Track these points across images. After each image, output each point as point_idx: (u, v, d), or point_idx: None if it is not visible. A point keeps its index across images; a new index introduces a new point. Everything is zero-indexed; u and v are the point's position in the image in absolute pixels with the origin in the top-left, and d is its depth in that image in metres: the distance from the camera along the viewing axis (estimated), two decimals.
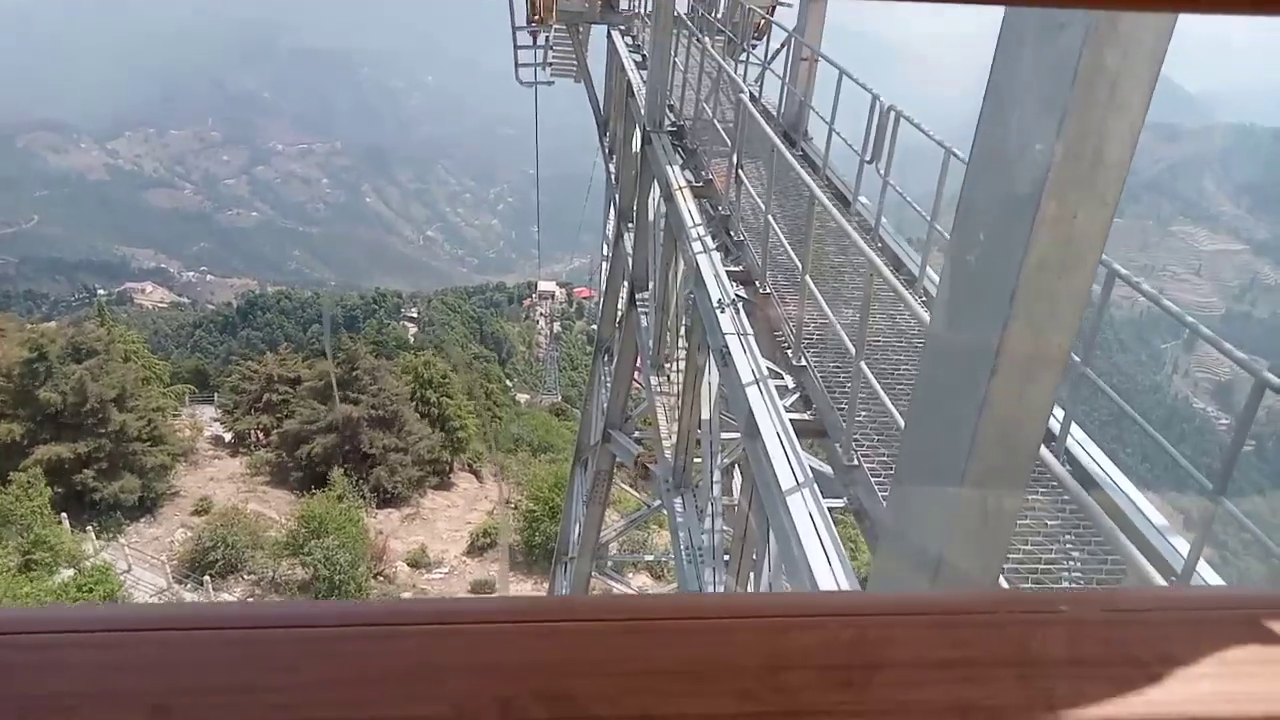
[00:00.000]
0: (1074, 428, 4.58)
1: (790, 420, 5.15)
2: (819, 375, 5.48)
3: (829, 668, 0.64)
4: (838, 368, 5.56)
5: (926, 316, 4.17)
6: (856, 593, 4.60)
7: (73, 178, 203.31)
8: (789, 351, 5.81)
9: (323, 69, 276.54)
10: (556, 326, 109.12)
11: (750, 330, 6.10)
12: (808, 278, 5.36)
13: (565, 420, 61.29)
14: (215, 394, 40.45)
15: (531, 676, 0.62)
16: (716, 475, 6.97)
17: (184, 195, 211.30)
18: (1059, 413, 4.45)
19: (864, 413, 4.95)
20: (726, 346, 5.99)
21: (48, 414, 27.75)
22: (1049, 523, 4.54)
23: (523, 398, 78.22)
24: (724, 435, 7.89)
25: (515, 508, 34.09)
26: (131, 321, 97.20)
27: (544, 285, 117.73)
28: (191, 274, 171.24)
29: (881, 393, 4.41)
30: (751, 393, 5.33)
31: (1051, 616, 0.72)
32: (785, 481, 4.61)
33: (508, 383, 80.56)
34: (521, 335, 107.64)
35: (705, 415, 7.10)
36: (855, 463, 4.69)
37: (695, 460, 8.96)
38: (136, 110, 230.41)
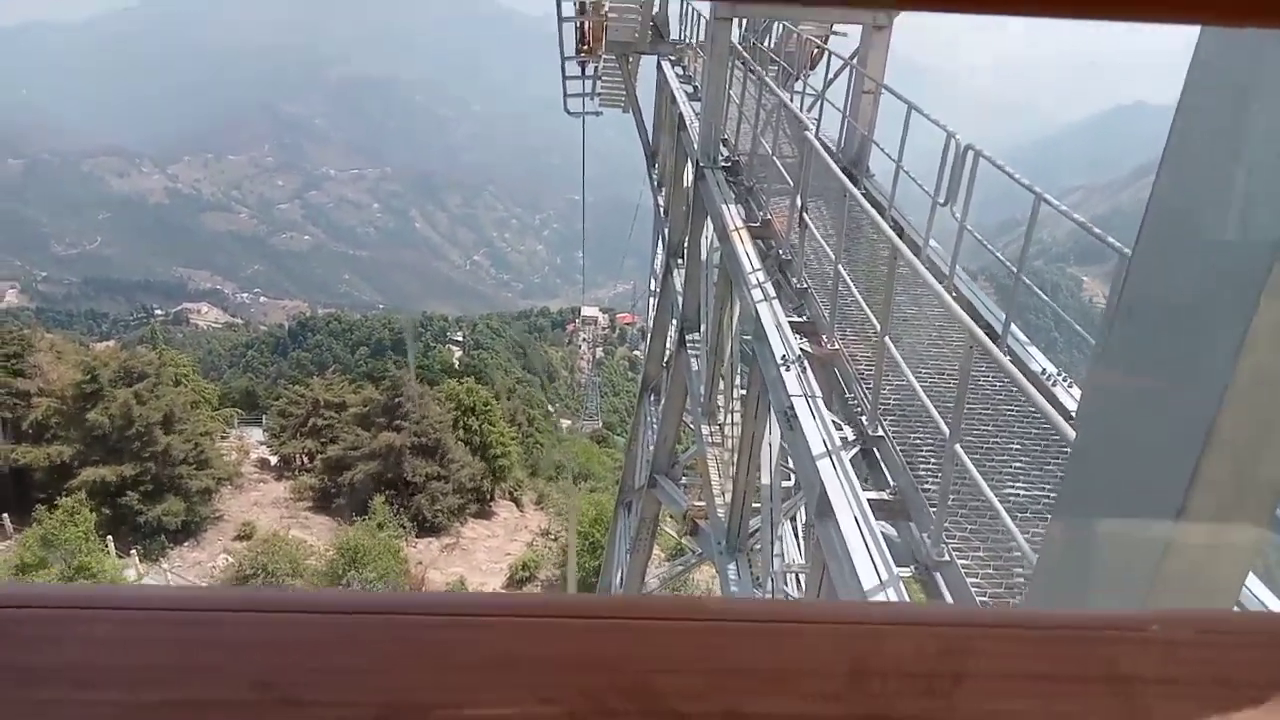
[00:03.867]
0: None
1: (868, 500, 4.59)
2: (899, 449, 4.90)
3: (916, 675, 0.64)
4: (920, 439, 4.98)
5: (1037, 397, 3.59)
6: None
7: (134, 200, 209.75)
8: (864, 419, 5.25)
9: (373, 96, 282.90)
10: (599, 352, 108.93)
11: (819, 392, 5.55)
12: (887, 339, 4.81)
13: (606, 448, 60.86)
14: (264, 416, 40.78)
15: (616, 671, 0.63)
16: (777, 547, 6.39)
17: (240, 219, 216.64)
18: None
19: (951, 496, 4.38)
20: (793, 409, 5.45)
21: (96, 436, 28.03)
22: None
23: (564, 423, 77.95)
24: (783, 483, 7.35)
25: (555, 539, 33.62)
26: (186, 341, 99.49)
27: (587, 311, 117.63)
28: (245, 295, 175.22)
29: (981, 481, 3.84)
30: (824, 466, 4.77)
31: (1143, 635, 0.70)
32: (866, 577, 4.05)
33: (550, 408, 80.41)
34: (564, 360, 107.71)
35: (765, 480, 6.54)
36: (946, 558, 4.11)
37: (752, 507, 8.40)
38: (196, 136, 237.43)
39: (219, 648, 0.62)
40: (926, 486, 4.58)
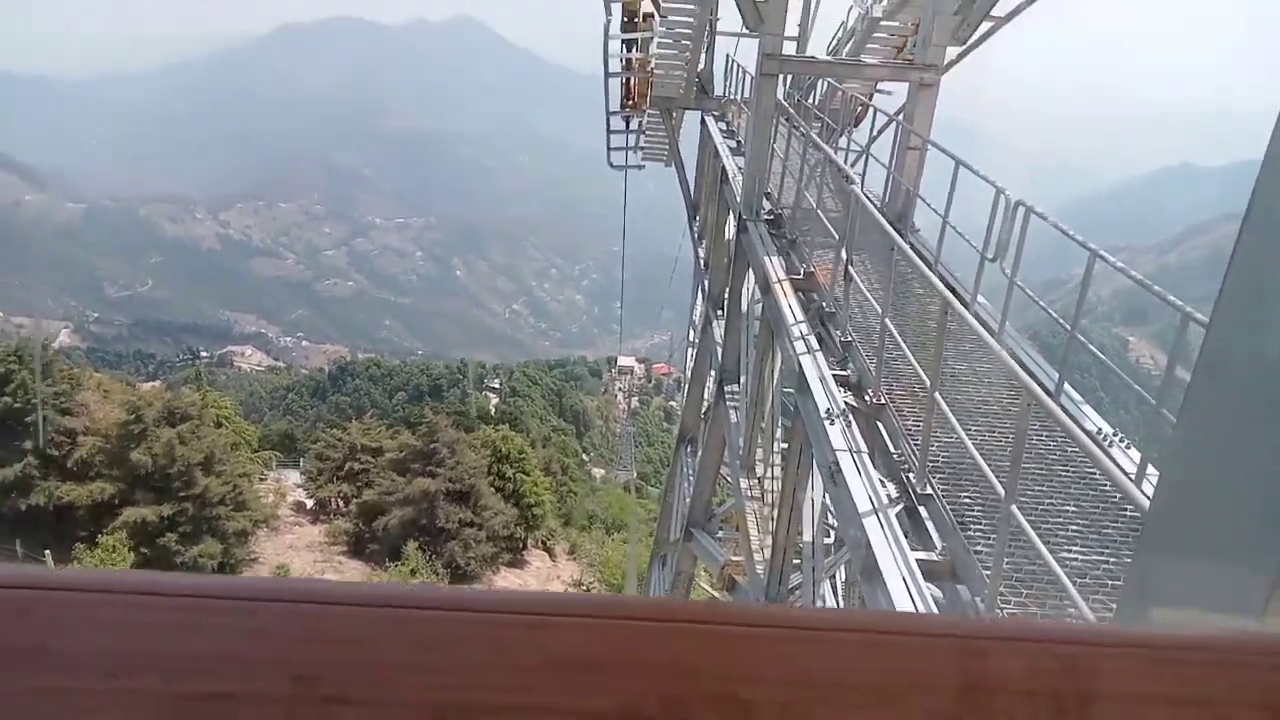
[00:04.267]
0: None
1: (918, 560, 4.43)
2: (949, 508, 4.75)
3: (1036, 694, 0.60)
4: (970, 499, 4.83)
5: (1104, 460, 3.45)
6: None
7: (186, 245, 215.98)
8: (910, 476, 5.11)
9: (423, 149, 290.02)
10: (635, 402, 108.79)
11: (864, 447, 5.42)
12: (937, 395, 4.69)
13: (640, 499, 60.45)
14: (301, 459, 41.15)
15: (700, 679, 0.59)
16: (819, 606, 6.20)
17: (287, 264, 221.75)
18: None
19: (1006, 559, 4.21)
20: (837, 464, 5.33)
21: (138, 475, 28.41)
22: None
23: (598, 472, 77.66)
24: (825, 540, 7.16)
25: (588, 591, 33.21)
26: (229, 383, 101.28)
27: (624, 360, 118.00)
28: (289, 339, 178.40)
29: (1040, 545, 3.68)
30: (870, 525, 4.64)
31: None
32: None
33: (584, 457, 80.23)
34: (600, 410, 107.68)
35: (807, 536, 6.38)
36: None
37: (792, 563, 8.20)
38: (250, 184, 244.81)
39: (261, 639, 0.59)
40: (979, 549, 4.42)
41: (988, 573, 4.16)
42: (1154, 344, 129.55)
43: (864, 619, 0.67)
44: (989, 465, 4.42)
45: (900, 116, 10.87)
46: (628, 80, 17.12)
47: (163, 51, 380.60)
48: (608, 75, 16.30)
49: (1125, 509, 4.61)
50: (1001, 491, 3.88)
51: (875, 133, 12.99)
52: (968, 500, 4.81)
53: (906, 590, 4.27)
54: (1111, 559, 4.35)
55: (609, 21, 14.51)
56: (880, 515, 4.72)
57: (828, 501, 6.20)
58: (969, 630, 0.66)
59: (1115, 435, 5.60)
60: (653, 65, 16.13)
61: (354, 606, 0.61)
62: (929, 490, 4.95)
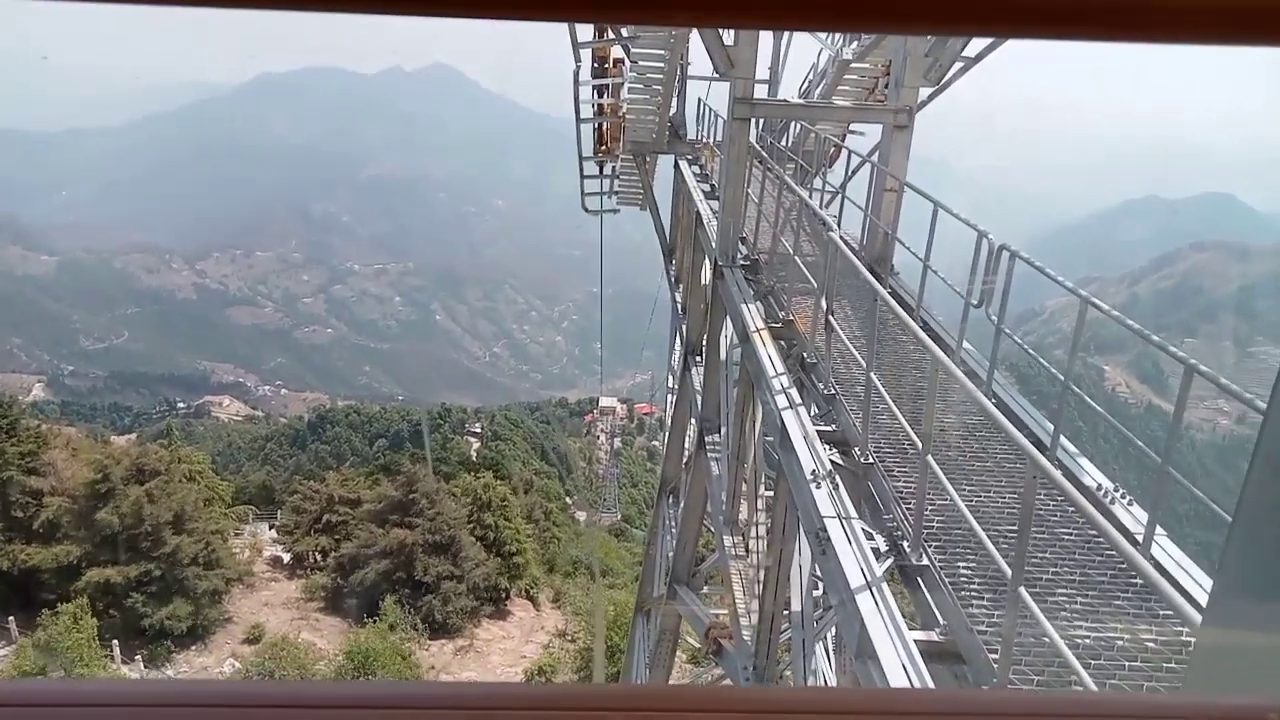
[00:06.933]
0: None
1: (915, 640, 4.08)
2: (949, 582, 4.41)
3: None
4: (970, 570, 4.49)
5: (1122, 543, 3.14)
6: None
7: (162, 296, 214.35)
8: (905, 544, 4.77)
9: (400, 195, 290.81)
10: (617, 442, 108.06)
11: (853, 513, 5.08)
12: (930, 459, 4.37)
13: (625, 541, 59.76)
14: (278, 511, 40.25)
15: None
16: (810, 680, 5.82)
17: (265, 313, 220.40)
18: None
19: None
20: (825, 530, 4.99)
21: (105, 536, 27.50)
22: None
23: (581, 515, 76.74)
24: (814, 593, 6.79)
25: (572, 641, 32.45)
26: (207, 434, 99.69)
27: (605, 401, 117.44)
28: (267, 388, 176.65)
29: (1051, 629, 3.34)
30: (864, 602, 4.28)
31: None
32: None
33: (568, 500, 79.33)
34: (582, 451, 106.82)
35: (796, 605, 6.01)
36: None
37: (780, 628, 7.80)
38: (227, 234, 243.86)
39: None
40: (981, 628, 4.07)
41: (993, 655, 3.82)
42: (1129, 372, 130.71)
43: (834, 700, 0.61)
44: (989, 531, 4.10)
45: (874, 157, 10.72)
46: (600, 125, 17.00)
47: (139, 102, 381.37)
48: (579, 121, 16.17)
49: (1134, 578, 4.30)
50: (1008, 571, 3.55)
51: (850, 174, 12.88)
52: (967, 572, 4.47)
53: (905, 674, 3.92)
54: (1125, 635, 4.02)
55: (578, 68, 14.38)
56: (874, 589, 4.38)
57: (816, 569, 5.85)
58: (906, 706, 0.61)
59: (1116, 490, 5.30)
60: (624, 110, 16.02)
61: (270, 709, 0.55)
62: (925, 561, 4.61)
